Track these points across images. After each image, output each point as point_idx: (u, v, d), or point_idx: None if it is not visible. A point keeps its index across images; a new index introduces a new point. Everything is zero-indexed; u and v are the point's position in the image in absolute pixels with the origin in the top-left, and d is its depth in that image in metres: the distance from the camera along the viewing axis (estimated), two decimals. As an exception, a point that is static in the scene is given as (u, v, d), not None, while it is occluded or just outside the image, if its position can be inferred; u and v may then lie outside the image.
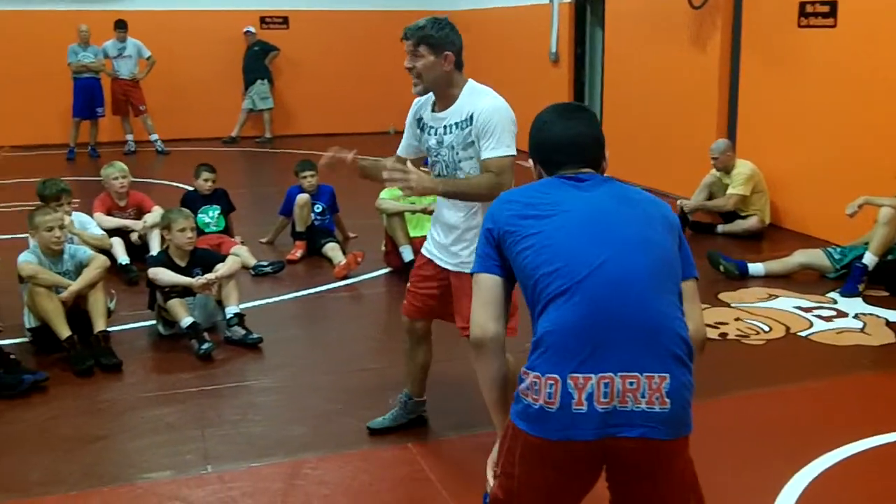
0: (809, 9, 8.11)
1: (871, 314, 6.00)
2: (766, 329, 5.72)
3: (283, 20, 15.49)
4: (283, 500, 3.70)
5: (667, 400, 2.17)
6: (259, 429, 4.37)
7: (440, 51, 3.73)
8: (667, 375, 2.18)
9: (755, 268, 6.82)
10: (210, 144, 14.32)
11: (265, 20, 15.34)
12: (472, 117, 3.70)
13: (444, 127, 3.79)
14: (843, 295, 6.34)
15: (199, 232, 7.20)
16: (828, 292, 6.43)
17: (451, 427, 4.39)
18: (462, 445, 4.20)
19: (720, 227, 8.24)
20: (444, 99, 3.81)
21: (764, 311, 6.05)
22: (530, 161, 2.62)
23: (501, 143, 3.64)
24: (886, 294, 6.43)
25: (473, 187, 3.63)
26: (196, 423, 4.41)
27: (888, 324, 5.83)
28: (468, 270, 3.61)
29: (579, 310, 2.19)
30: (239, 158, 13.79)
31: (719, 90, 9.36)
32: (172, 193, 9.29)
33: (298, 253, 7.41)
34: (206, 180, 7.44)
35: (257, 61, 14.80)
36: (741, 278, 6.79)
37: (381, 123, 15.57)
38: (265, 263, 7.01)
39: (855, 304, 6.19)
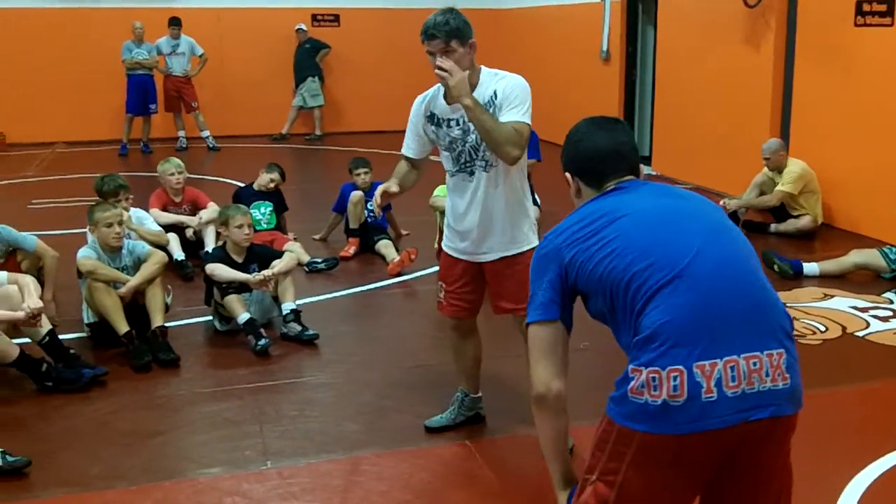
0: (866, 7, 7.99)
1: (913, 317, 5.93)
2: (823, 329, 5.66)
3: (335, 17, 15.58)
4: (343, 497, 3.73)
5: (787, 375, 2.20)
6: (316, 425, 4.42)
7: (466, 41, 3.78)
8: (783, 351, 2.20)
9: (810, 267, 6.75)
10: (260, 141, 14.47)
11: (317, 17, 15.45)
12: (494, 95, 3.76)
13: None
14: (902, 295, 6.26)
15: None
16: (884, 292, 6.35)
17: (509, 424, 4.40)
18: (521, 443, 4.19)
19: (773, 227, 8.17)
20: None
21: (820, 311, 5.99)
22: (568, 177, 2.65)
23: (521, 112, 3.72)
24: (945, 295, 6.33)
25: (496, 126, 3.65)
26: (254, 419, 4.46)
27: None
28: (516, 250, 3.88)
29: (691, 298, 2.18)
30: (289, 155, 13.87)
31: (773, 90, 9.26)
32: (224, 189, 9.41)
33: (352, 250, 7.46)
34: (271, 181, 7.53)
35: (308, 58, 14.90)
36: (796, 278, 6.72)
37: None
38: (319, 260, 7.07)
39: (912, 305, 6.12)
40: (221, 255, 5.68)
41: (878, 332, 5.63)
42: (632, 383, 2.18)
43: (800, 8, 8.94)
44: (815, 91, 8.69)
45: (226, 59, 14.49)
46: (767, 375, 2.16)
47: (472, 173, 3.88)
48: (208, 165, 12.41)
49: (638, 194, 2.43)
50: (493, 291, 4.01)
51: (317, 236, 7.98)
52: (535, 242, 3.85)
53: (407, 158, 4.12)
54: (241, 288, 5.54)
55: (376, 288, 6.73)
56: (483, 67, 3.88)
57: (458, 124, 3.83)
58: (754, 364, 2.14)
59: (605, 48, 12.71)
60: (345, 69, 15.45)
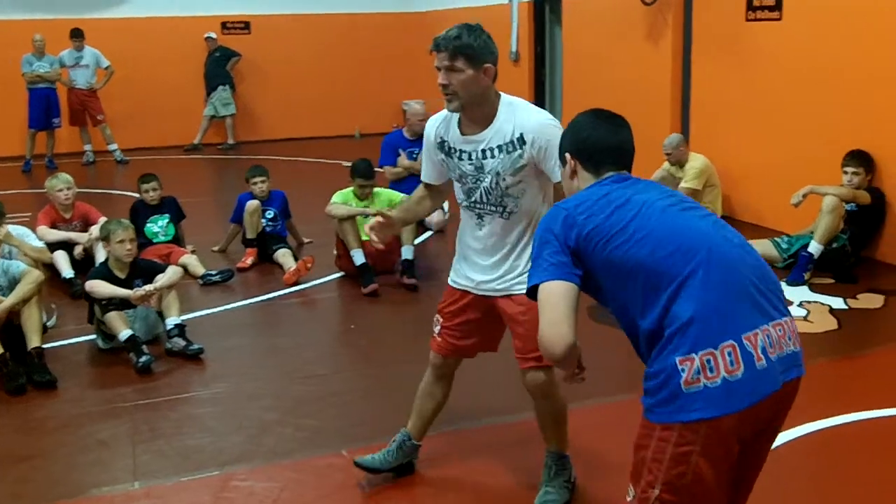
0: (756, 2, 8.14)
1: (815, 302, 6.03)
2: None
3: (245, 25, 15.41)
4: (211, 514, 3.67)
5: (797, 339, 2.36)
6: (193, 441, 4.33)
7: (479, 62, 3.27)
8: (790, 317, 2.37)
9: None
10: (172, 153, 14.23)
11: (226, 25, 15.26)
12: (521, 139, 3.30)
13: (483, 151, 3.36)
14: (790, 283, 6.36)
15: (148, 242, 7.19)
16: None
17: (387, 432, 4.34)
18: (397, 451, 4.17)
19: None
20: (480, 118, 3.36)
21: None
22: (567, 157, 2.64)
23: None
24: (832, 282, 6.45)
25: None
26: (128, 439, 4.36)
27: (832, 311, 5.86)
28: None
29: (722, 279, 2.26)
30: (202, 166, 13.72)
31: (672, 85, 9.39)
32: (130, 204, 9.22)
33: (249, 260, 7.36)
34: (146, 191, 7.37)
35: (219, 67, 14.71)
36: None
37: (346, 127, 15.56)
38: (213, 272, 6.96)
39: (800, 293, 6.21)
40: (104, 272, 5.55)
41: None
42: (684, 375, 2.19)
43: (695, 4, 9.07)
44: (712, 85, 8.82)
45: (134, 70, 14.20)
46: (790, 339, 2.31)
47: (480, 216, 3.47)
48: (118, 179, 12.18)
49: (641, 188, 2.50)
50: (506, 331, 3.63)
51: (215, 248, 7.85)
52: None
53: (426, 185, 3.71)
54: (124, 304, 5.41)
55: (273, 298, 6.64)
56: (503, 95, 3.39)
57: (470, 159, 3.39)
58: (780, 330, 2.29)
59: (514, 49, 12.76)
60: (257, 77, 15.30)
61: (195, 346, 5.37)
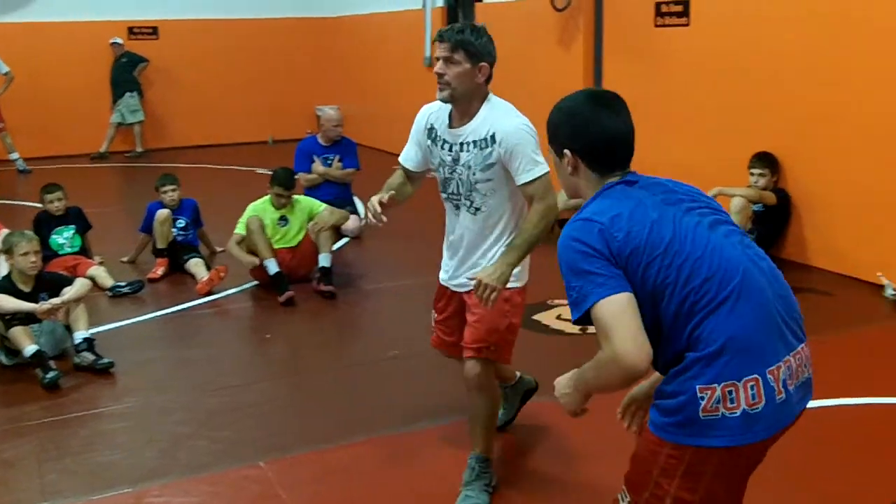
0: (664, 9, 8.28)
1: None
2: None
3: (153, 30, 15.10)
4: (124, 533, 3.56)
5: (810, 364, 2.33)
6: (104, 458, 4.20)
7: (477, 60, 3.42)
8: (806, 342, 2.32)
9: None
10: (78, 161, 13.84)
11: (133, 30, 14.92)
12: (493, 138, 3.45)
13: (462, 144, 3.53)
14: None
15: (54, 254, 6.97)
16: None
17: (306, 442, 4.30)
18: (315, 461, 4.12)
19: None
20: (465, 113, 3.53)
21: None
22: (567, 153, 2.42)
23: (533, 162, 3.43)
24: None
25: (533, 235, 3.40)
26: (34, 458, 4.20)
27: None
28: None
29: (753, 310, 2.18)
30: (109, 175, 13.39)
31: (583, 87, 9.47)
32: (33, 215, 8.94)
33: (160, 271, 7.19)
34: (50, 202, 7.14)
35: (125, 73, 14.38)
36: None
37: (259, 133, 15.39)
38: (122, 284, 6.77)
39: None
40: (7, 286, 5.34)
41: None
42: (703, 402, 2.15)
43: (605, 10, 9.19)
44: (623, 89, 8.70)
45: (37, 77, 13.78)
46: (805, 367, 2.29)
47: (457, 207, 3.64)
48: (20, 189, 11.79)
49: (659, 192, 2.34)
50: (467, 325, 3.65)
51: (125, 259, 7.66)
52: (518, 283, 3.59)
53: (404, 169, 3.82)
54: (29, 319, 5.23)
55: (185, 309, 6.50)
56: (491, 96, 3.54)
57: (450, 150, 3.57)
58: (798, 360, 2.26)
59: (428, 54, 12.76)
60: (165, 83, 14.98)
61: (105, 361, 5.22)
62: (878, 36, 6.35)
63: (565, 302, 2.48)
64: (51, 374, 4.98)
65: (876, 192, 6.48)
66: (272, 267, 6.59)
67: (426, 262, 7.64)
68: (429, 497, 3.79)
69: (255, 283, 6.95)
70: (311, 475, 4.00)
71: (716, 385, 2.13)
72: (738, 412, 2.14)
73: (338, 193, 8.39)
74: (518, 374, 4.23)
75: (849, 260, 6.72)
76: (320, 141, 8.70)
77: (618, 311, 2.16)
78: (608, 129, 2.39)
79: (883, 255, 6.42)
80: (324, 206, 7.17)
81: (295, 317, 6.31)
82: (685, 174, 7.84)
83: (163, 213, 7.26)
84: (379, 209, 3.54)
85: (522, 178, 3.45)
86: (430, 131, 3.67)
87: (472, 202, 3.57)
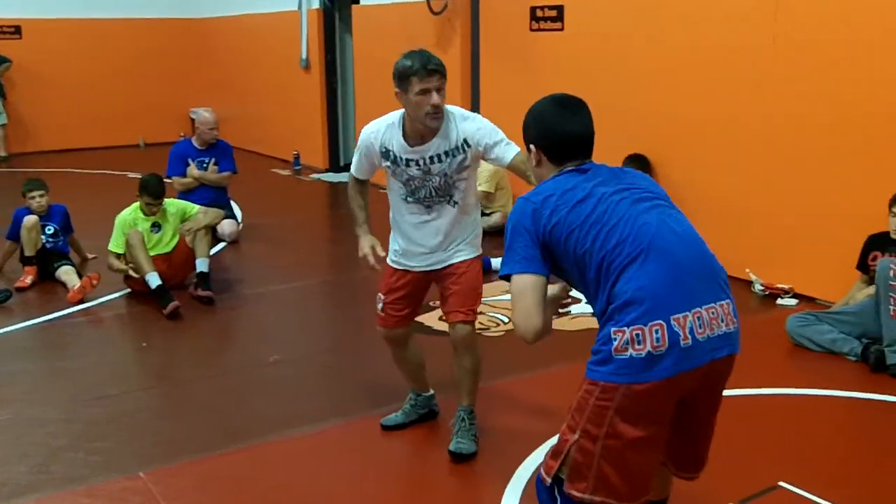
0: (539, 13, 8.45)
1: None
2: (506, 321, 5.89)
3: (15, 29, 14.56)
4: (-3, 550, 3.44)
5: (734, 320, 2.64)
6: (-26, 474, 4.05)
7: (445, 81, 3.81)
8: (728, 301, 2.63)
9: (496, 262, 7.02)
10: (-62, 166, 13.25)
11: (-6, 30, 14.40)
12: (466, 143, 3.81)
13: (430, 157, 3.82)
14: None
15: (-88, 264, 6.67)
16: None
17: (187, 451, 4.23)
18: (196, 470, 4.06)
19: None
20: (429, 131, 3.80)
21: (504, 304, 6.24)
22: (532, 148, 2.88)
23: (505, 140, 3.85)
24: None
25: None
26: None
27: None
28: (467, 256, 4.04)
29: (659, 265, 2.52)
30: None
31: (461, 91, 9.60)
32: None
33: (28, 279, 6.94)
34: None
35: (-14, 75, 13.87)
36: (485, 273, 6.93)
37: (130, 137, 15.01)
38: (-10, 293, 6.54)
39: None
40: None
41: (555, 318, 5.91)
42: (615, 343, 2.48)
43: (482, 14, 9.32)
44: (500, 92, 9.08)
45: None
46: (722, 321, 2.57)
47: (429, 207, 3.96)
48: None
49: (602, 178, 2.75)
50: (444, 294, 4.07)
51: (-10, 267, 7.39)
52: (478, 252, 4.12)
53: (361, 182, 4.19)
54: None
55: (57, 318, 6.30)
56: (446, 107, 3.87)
57: (417, 165, 3.84)
58: (713, 313, 2.55)
59: (304, 56, 12.69)
60: (30, 84, 14.45)
61: None
62: (742, 46, 6.63)
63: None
64: (-87, 389, 4.77)
65: (743, 193, 6.77)
66: (154, 280, 6.42)
67: (304, 267, 7.69)
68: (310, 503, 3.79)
69: (129, 290, 6.79)
70: (193, 484, 3.94)
71: (626, 328, 2.47)
72: (644, 353, 2.46)
73: (214, 197, 8.27)
74: (432, 391, 4.52)
75: (718, 257, 6.93)
76: (195, 144, 8.57)
77: (521, 289, 2.65)
78: (566, 128, 2.85)
79: (751, 253, 6.71)
80: (197, 207, 7.04)
81: (172, 323, 6.19)
82: (560, 175, 8.06)
83: (30, 220, 7.02)
84: (374, 261, 4.03)
85: (509, 156, 3.84)
86: (387, 154, 3.91)
87: (450, 197, 3.93)
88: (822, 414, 4.66)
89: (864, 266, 5.65)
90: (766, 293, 6.46)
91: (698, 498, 3.73)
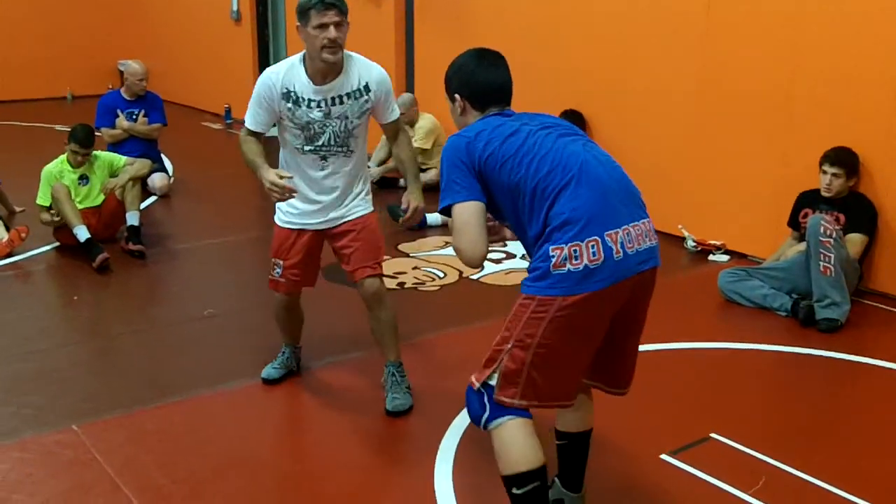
0: (474, -34, 8.39)
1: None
2: (442, 275, 5.92)
3: (-64, -24, 14.02)
4: (-75, 505, 3.37)
5: (654, 235, 2.88)
6: None
7: (346, 19, 3.79)
8: (648, 219, 2.88)
9: (432, 217, 7.02)
10: None
11: (-88, -24, 13.81)
12: (367, 87, 3.86)
13: (333, 98, 3.83)
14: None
15: None
16: (498, 235, 6.75)
17: (118, 406, 4.19)
18: (130, 423, 4.02)
19: (402, 181, 8.39)
20: (330, 70, 3.81)
21: (440, 259, 6.26)
22: (457, 97, 3.07)
23: (394, 102, 4.03)
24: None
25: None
26: None
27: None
28: (363, 212, 4.09)
29: (590, 190, 2.73)
30: None
31: (396, 47, 9.53)
32: None
33: (-47, 232, 6.76)
34: None
35: None
36: (420, 229, 6.96)
37: (57, 89, 14.59)
38: (-89, 247, 6.34)
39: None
40: None
41: (490, 273, 5.97)
42: (554, 260, 2.67)
43: (416, -33, 9.22)
44: (433, 48, 9.02)
45: None
46: (646, 237, 2.81)
47: (325, 158, 3.94)
48: None
49: (526, 119, 2.96)
50: (348, 250, 4.06)
51: (-88, 220, 7.15)
52: (372, 208, 4.17)
53: (256, 135, 3.98)
54: None
55: (-17, 272, 6.16)
56: (346, 51, 3.88)
57: (319, 107, 3.83)
58: (638, 230, 2.78)
59: (235, 8, 12.45)
60: (-50, 34, 13.96)
61: None
62: (677, 9, 6.68)
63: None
64: None
65: (673, 150, 6.85)
66: (82, 234, 6.28)
67: (235, 221, 7.60)
68: (241, 457, 3.78)
69: (58, 244, 6.65)
70: (126, 438, 3.90)
71: (564, 245, 2.67)
72: (581, 267, 2.66)
73: (144, 150, 8.11)
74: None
75: (651, 213, 7.01)
76: (125, 95, 8.39)
77: (466, 217, 2.83)
78: (487, 78, 3.05)
79: (682, 209, 6.81)
80: (125, 159, 6.90)
81: (103, 277, 6.08)
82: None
83: (-47, 172, 6.82)
84: (282, 182, 3.70)
85: (392, 116, 4.04)
86: (288, 95, 3.84)
87: (347, 147, 3.95)
88: (752, 368, 4.77)
89: (794, 223, 5.77)
90: (699, 249, 6.57)
91: (631, 448, 3.82)
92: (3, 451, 3.75)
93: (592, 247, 2.67)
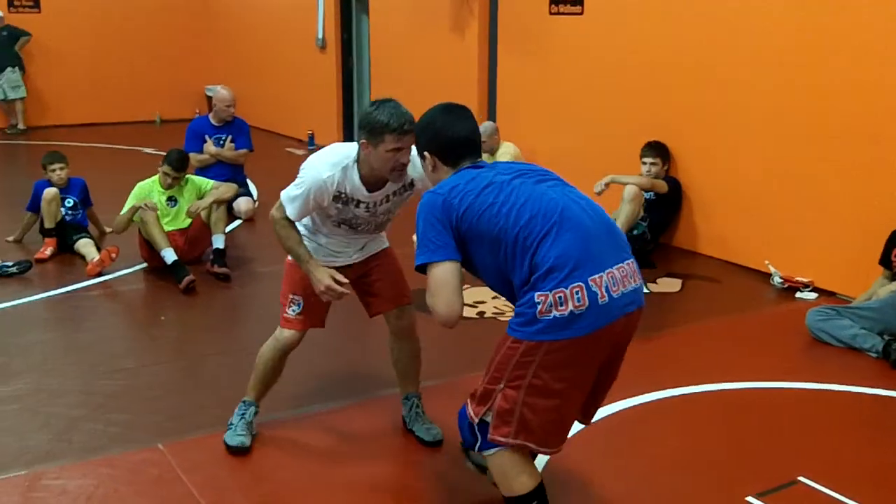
0: (559, -3, 8.42)
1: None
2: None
3: (35, 3, 14.52)
4: (18, 517, 3.46)
5: (639, 277, 2.94)
6: (-6, 441, 4.08)
7: None
8: (632, 259, 2.92)
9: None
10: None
11: (13, 3, 14.33)
12: (411, 184, 3.80)
13: (381, 199, 3.79)
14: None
15: (-67, 232, 6.70)
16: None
17: (204, 425, 4.25)
18: (214, 442, 4.06)
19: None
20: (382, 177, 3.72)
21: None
22: (427, 155, 3.15)
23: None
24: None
25: None
26: (-80, 440, 4.05)
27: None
28: (383, 246, 4.12)
29: (572, 235, 2.78)
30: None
31: (478, 75, 9.58)
32: None
33: (48, 251, 6.97)
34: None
35: (6, 48, 13.79)
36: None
37: (145, 112, 15.00)
38: (10, 264, 6.53)
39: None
40: None
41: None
42: (539, 307, 2.73)
43: (500, -3, 9.28)
44: (517, 76, 9.05)
45: None
46: (630, 278, 2.86)
47: (357, 230, 3.92)
48: None
49: (499, 170, 3.01)
50: (385, 282, 4.08)
51: (11, 238, 7.40)
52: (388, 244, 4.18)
53: (289, 221, 3.80)
54: None
55: (75, 290, 6.32)
56: None
57: (367, 207, 3.78)
58: (622, 272, 2.83)
59: (320, 36, 12.66)
60: (48, 59, 14.43)
61: None
62: (767, 35, 6.59)
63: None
64: (-66, 356, 4.79)
65: (762, 183, 6.74)
66: (169, 256, 6.44)
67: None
68: (326, 479, 3.81)
69: (146, 265, 6.81)
70: (209, 457, 3.95)
71: (548, 293, 2.73)
72: (566, 313, 2.72)
73: (230, 174, 8.28)
74: None
75: (737, 248, 6.98)
76: (213, 121, 8.58)
77: (442, 278, 2.87)
78: (455, 131, 3.11)
79: (769, 244, 6.69)
80: (212, 182, 7.05)
81: (188, 299, 6.21)
82: (578, 161, 8.08)
83: (50, 192, 7.03)
84: (339, 289, 3.68)
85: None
86: (339, 196, 3.72)
87: (381, 227, 3.98)
88: (842, 409, 4.62)
89: (887, 261, 5.62)
90: (785, 286, 6.43)
91: (717, 489, 3.75)
92: (90, 468, 3.84)
93: (577, 293, 2.72)
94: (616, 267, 2.82)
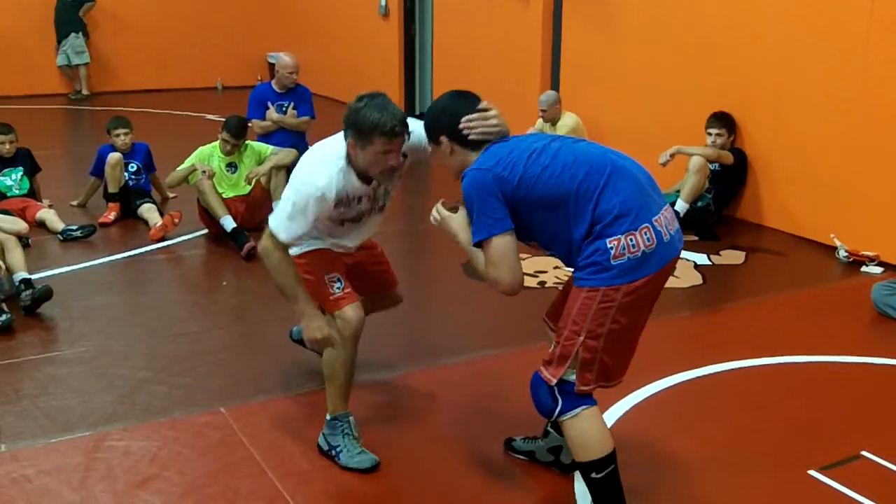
0: (628, -35, 8.26)
1: (681, 258, 6.21)
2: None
3: (99, -32, 14.69)
4: (84, 475, 3.51)
5: (675, 220, 3.07)
6: (61, 402, 4.14)
7: None
8: (668, 205, 3.07)
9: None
10: (16, 102, 13.36)
11: (79, -31, 14.51)
12: (403, 154, 3.56)
13: (385, 191, 3.74)
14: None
15: (2, 196, 6.83)
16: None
17: (265, 390, 4.30)
18: (275, 407, 4.11)
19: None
20: None
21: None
22: (444, 140, 3.14)
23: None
24: (696, 239, 6.69)
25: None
26: (-11, 400, 4.14)
27: (696, 267, 6.10)
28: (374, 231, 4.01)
29: (629, 182, 2.93)
30: (51, 117, 13.04)
31: (542, 44, 9.45)
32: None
33: (112, 215, 7.07)
34: (1, 143, 6.97)
35: (70, 13, 13.95)
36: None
37: (208, 79, 15.12)
38: (74, 227, 6.65)
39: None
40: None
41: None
42: (612, 251, 2.85)
43: (565, -36, 9.14)
44: (582, 48, 8.93)
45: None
46: (673, 221, 3.02)
47: (360, 220, 3.76)
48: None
49: (527, 139, 3.10)
50: (382, 268, 4.17)
51: (75, 202, 7.53)
52: None
53: (283, 246, 3.53)
54: (-17, 262, 5.12)
55: (138, 255, 6.41)
56: None
57: (368, 200, 3.66)
58: (668, 214, 3.00)
59: (383, 3, 12.60)
60: (112, 24, 14.59)
61: (41, 288, 5.17)
62: (836, 5, 6.42)
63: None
64: (4, 318, 4.89)
65: (829, 156, 6.59)
66: (228, 223, 6.50)
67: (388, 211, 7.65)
68: (395, 442, 3.82)
69: (207, 231, 6.87)
70: (271, 423, 3.98)
71: (620, 237, 2.86)
72: (639, 254, 2.86)
73: (293, 142, 8.27)
74: None
75: (802, 221, 6.84)
76: (275, 87, 8.57)
77: (503, 248, 2.96)
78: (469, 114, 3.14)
79: (835, 218, 6.54)
80: (272, 148, 7.08)
81: (249, 265, 6.25)
82: (642, 132, 7.97)
83: (114, 157, 7.12)
84: (329, 339, 3.58)
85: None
86: (341, 201, 3.51)
87: (382, 209, 3.85)
88: (907, 384, 4.54)
89: (956, 235, 5.48)
90: (851, 260, 6.29)
91: (779, 462, 3.69)
92: (154, 429, 3.90)
93: (646, 234, 2.88)
94: (663, 210, 2.99)
